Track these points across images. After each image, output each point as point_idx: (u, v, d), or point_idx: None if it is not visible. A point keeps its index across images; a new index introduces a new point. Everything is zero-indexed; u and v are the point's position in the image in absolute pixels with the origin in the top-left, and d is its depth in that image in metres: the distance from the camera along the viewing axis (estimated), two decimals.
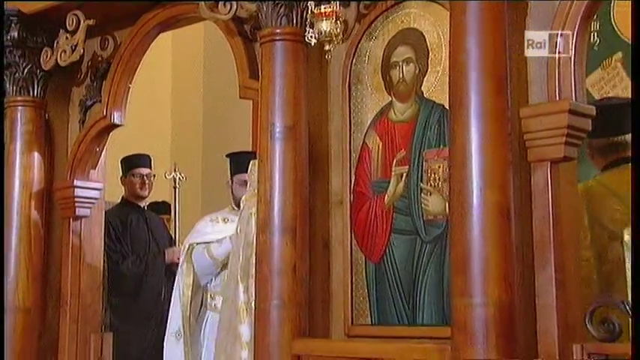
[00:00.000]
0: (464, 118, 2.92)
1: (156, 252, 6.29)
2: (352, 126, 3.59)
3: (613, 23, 5.19)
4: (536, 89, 3.07)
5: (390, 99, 3.52)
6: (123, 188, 6.52)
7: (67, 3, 4.28)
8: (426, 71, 3.42)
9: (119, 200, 6.49)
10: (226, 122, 8.22)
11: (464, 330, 2.84)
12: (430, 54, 3.42)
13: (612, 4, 5.11)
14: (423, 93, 3.43)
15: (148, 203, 6.74)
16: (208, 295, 5.05)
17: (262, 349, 3.41)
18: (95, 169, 4.56)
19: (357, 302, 3.50)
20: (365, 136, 3.55)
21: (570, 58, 3.02)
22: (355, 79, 3.61)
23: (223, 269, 4.85)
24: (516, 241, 2.89)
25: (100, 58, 4.48)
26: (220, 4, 3.73)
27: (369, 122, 3.56)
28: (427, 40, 3.43)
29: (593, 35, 5.08)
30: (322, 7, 3.40)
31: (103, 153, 4.59)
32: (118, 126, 4.45)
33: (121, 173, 6.48)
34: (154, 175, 6.59)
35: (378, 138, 3.52)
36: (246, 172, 4.56)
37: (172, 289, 6.03)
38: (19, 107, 4.47)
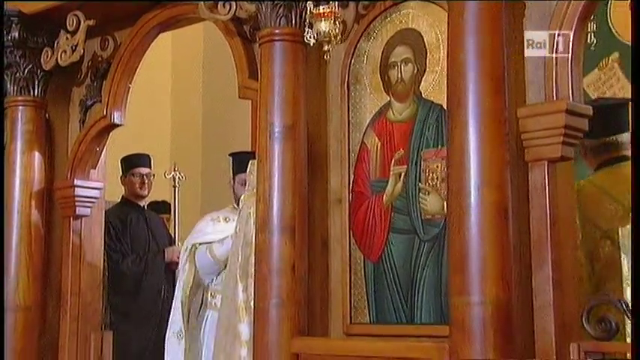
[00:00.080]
0: (462, 118, 2.93)
1: (155, 251, 6.30)
2: (351, 126, 3.60)
3: (610, 24, 5.20)
4: (533, 89, 3.08)
5: (389, 99, 3.53)
6: (123, 188, 6.52)
7: (68, 3, 4.29)
8: (425, 71, 3.43)
9: (119, 200, 6.50)
10: (226, 122, 8.22)
11: (462, 328, 2.85)
12: (428, 54, 3.43)
13: (609, 5, 5.12)
14: (421, 93, 3.44)
15: (147, 203, 6.75)
16: (209, 294, 5.05)
17: (261, 347, 3.42)
18: (95, 168, 4.58)
19: (355, 301, 3.51)
20: (363, 136, 3.56)
21: (567, 58, 3.03)
22: (354, 79, 3.62)
23: (225, 268, 4.86)
24: (514, 240, 2.90)
25: (100, 59, 4.49)
26: (220, 4, 3.74)
27: (367, 122, 3.57)
28: (425, 40, 3.44)
29: (590, 36, 5.09)
30: (321, 7, 3.40)
31: (103, 153, 4.60)
32: (118, 126, 4.46)
33: (120, 173, 6.49)
34: (154, 175, 6.60)
35: (376, 138, 3.53)
36: None
37: (172, 287, 6.06)
38: (20, 107, 4.48)
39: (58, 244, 4.59)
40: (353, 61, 3.63)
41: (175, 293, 5.15)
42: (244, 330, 4.02)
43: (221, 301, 4.60)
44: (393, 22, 3.54)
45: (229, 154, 5.43)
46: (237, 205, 4.85)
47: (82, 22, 4.26)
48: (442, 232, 3.27)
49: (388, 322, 3.42)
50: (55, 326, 4.51)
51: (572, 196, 3.16)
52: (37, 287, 4.39)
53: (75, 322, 4.46)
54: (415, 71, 3.46)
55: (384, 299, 3.44)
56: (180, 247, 6.01)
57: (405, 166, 3.43)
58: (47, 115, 4.62)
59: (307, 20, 3.44)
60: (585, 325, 2.85)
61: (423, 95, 3.43)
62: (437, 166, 3.34)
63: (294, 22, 3.53)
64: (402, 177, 3.44)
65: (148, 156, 6.62)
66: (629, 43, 4.99)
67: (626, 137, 3.79)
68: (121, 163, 6.48)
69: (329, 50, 3.44)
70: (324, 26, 3.39)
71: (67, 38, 4.34)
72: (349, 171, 3.59)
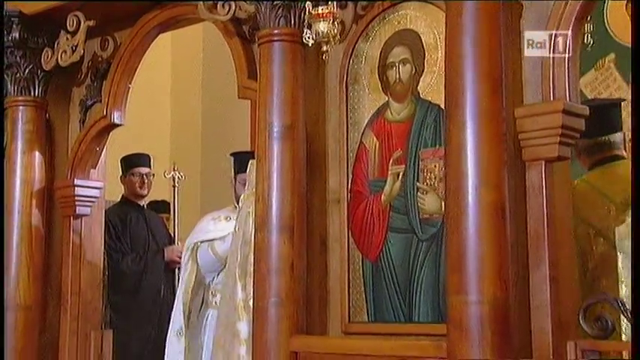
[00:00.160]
0: (459, 118, 2.94)
1: (155, 250, 6.31)
2: (349, 126, 3.61)
3: (606, 24, 5.22)
4: (530, 89, 3.09)
5: (387, 99, 3.54)
6: (123, 187, 6.54)
7: (68, 4, 4.30)
8: (423, 72, 3.44)
9: (119, 199, 6.52)
10: (225, 122, 8.23)
11: (459, 327, 2.85)
12: (426, 55, 3.44)
13: (606, 6, 5.14)
14: (419, 93, 3.45)
15: (147, 202, 6.76)
16: (210, 293, 5.06)
17: (260, 346, 3.43)
18: (95, 168, 4.59)
19: (354, 300, 3.52)
20: (362, 136, 3.58)
21: (564, 58, 3.04)
22: (352, 79, 3.63)
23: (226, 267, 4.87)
24: (511, 239, 2.91)
25: (100, 59, 4.50)
26: (219, 5, 3.75)
27: (365, 122, 3.58)
28: (423, 40, 3.45)
29: (587, 36, 5.10)
30: (320, 8, 3.40)
31: (103, 152, 4.62)
32: (117, 126, 4.47)
33: (120, 172, 6.50)
34: (154, 175, 6.61)
35: (374, 137, 3.54)
36: None
37: (172, 286, 6.08)
38: (20, 107, 4.49)
39: (58, 243, 4.60)
40: (351, 61, 3.64)
41: (177, 292, 5.16)
42: (243, 328, 4.03)
43: (220, 299, 4.61)
44: (391, 22, 3.55)
45: (230, 154, 5.44)
46: (239, 204, 4.87)
47: (83, 22, 4.27)
48: (440, 231, 3.28)
49: (386, 320, 3.43)
50: (56, 325, 4.53)
51: (569, 195, 3.17)
52: (38, 286, 4.41)
53: (75, 321, 4.47)
54: (413, 71, 3.47)
55: (382, 298, 3.45)
56: (180, 247, 6.04)
57: (403, 166, 3.44)
58: (47, 115, 4.63)
59: (306, 21, 3.44)
60: (582, 323, 2.85)
61: (421, 95, 3.44)
62: (435, 166, 3.35)
63: (292, 22, 3.54)
64: (401, 177, 3.45)
65: (148, 156, 6.64)
66: (626, 44, 5.03)
67: (618, 137, 3.81)
68: (121, 162, 6.49)
69: (327, 51, 3.43)
70: (322, 27, 3.39)
71: (67, 38, 4.35)
72: (348, 171, 3.59)
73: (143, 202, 6.61)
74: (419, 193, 3.39)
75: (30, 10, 4.39)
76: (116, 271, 5.82)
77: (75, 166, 4.53)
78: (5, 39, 4.41)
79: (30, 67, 4.46)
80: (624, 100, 4.34)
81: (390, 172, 3.48)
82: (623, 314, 2.85)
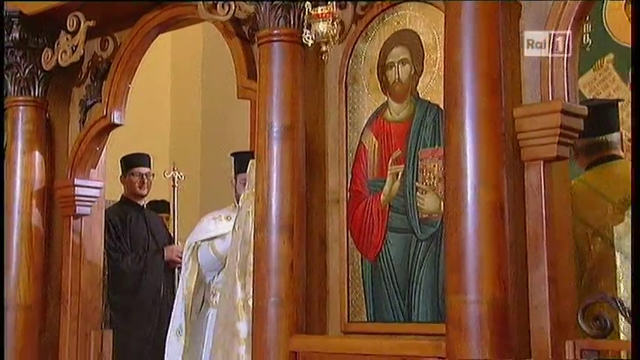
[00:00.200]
0: (458, 118, 2.94)
1: (155, 250, 6.32)
2: (349, 126, 3.62)
3: (605, 25, 5.22)
4: (529, 89, 3.09)
5: (386, 99, 3.54)
6: (122, 187, 6.55)
7: (68, 4, 4.30)
8: (422, 72, 3.45)
9: (119, 199, 6.53)
10: (225, 122, 8.24)
11: (458, 327, 2.86)
12: (425, 55, 3.44)
13: (604, 6, 5.15)
14: (418, 93, 3.45)
15: (147, 202, 6.77)
16: (210, 292, 5.08)
17: (260, 345, 3.43)
18: (95, 168, 4.59)
19: (353, 299, 3.52)
20: (361, 136, 3.58)
21: (563, 58, 3.04)
22: (351, 79, 3.64)
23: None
24: (510, 239, 2.92)
25: (100, 59, 4.50)
26: (219, 5, 3.75)
27: (365, 122, 3.58)
28: (422, 41, 3.45)
29: (586, 37, 5.11)
30: (319, 8, 3.40)
31: (103, 152, 4.62)
32: (117, 125, 4.48)
33: (120, 172, 6.51)
34: (153, 174, 6.62)
35: (374, 137, 3.54)
36: None
37: (171, 286, 6.09)
38: (21, 107, 4.50)
39: (58, 243, 4.60)
40: (351, 61, 3.64)
41: (177, 292, 5.17)
42: (242, 328, 4.03)
43: (219, 298, 4.62)
44: (390, 22, 3.56)
45: (231, 154, 5.46)
46: (239, 204, 4.87)
47: (83, 22, 4.27)
48: (439, 231, 3.29)
49: (385, 320, 3.43)
50: (56, 325, 4.53)
51: (568, 195, 3.18)
52: (38, 286, 4.41)
53: (75, 320, 4.47)
54: (412, 72, 3.47)
55: (381, 298, 3.45)
56: (180, 246, 6.05)
57: (403, 166, 3.45)
58: (47, 115, 4.64)
59: (305, 21, 3.45)
60: (581, 323, 2.86)
61: (420, 95, 3.44)
62: (434, 166, 3.36)
63: (292, 22, 3.54)
64: (400, 176, 3.45)
65: (148, 155, 6.65)
66: (624, 44, 5.04)
67: (615, 137, 3.82)
68: (121, 162, 6.50)
69: (327, 51, 3.44)
70: (322, 27, 3.40)
71: (67, 39, 4.35)
72: (347, 170, 3.60)
73: (143, 202, 6.62)
74: (418, 193, 3.40)
75: (30, 11, 4.39)
76: (116, 271, 5.83)
77: (75, 165, 4.54)
78: (5, 39, 4.42)
79: (30, 67, 4.47)
80: (622, 100, 4.36)
81: (389, 172, 3.48)
82: (622, 314, 2.86)
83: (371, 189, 3.53)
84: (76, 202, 4.52)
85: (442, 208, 3.18)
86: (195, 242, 5.07)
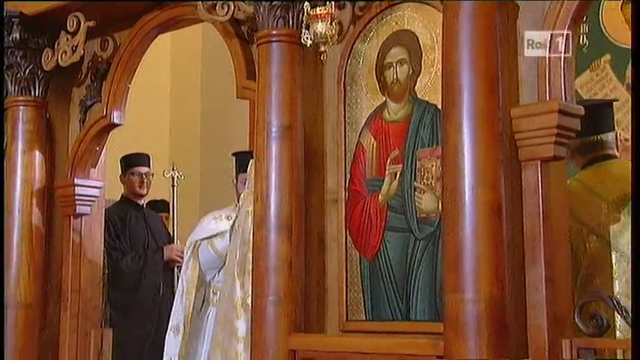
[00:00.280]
0: (456, 118, 2.95)
1: (154, 249, 6.34)
2: (347, 125, 3.62)
3: (602, 25, 5.24)
4: (526, 90, 3.09)
5: (384, 99, 3.54)
6: (122, 186, 6.57)
7: (68, 4, 4.31)
8: (420, 72, 3.45)
9: (119, 198, 6.54)
10: (224, 122, 8.26)
11: (456, 325, 2.87)
12: (423, 55, 3.44)
13: (601, 6, 5.16)
14: (416, 93, 3.45)
15: (146, 201, 6.79)
16: (211, 291, 5.09)
17: (259, 344, 3.44)
18: (95, 167, 4.60)
19: (351, 298, 3.52)
20: (360, 136, 3.58)
21: (560, 59, 3.05)
22: (350, 79, 3.64)
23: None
24: (507, 238, 2.92)
25: (100, 59, 4.51)
26: (218, 5, 3.75)
27: (363, 122, 3.58)
28: (420, 41, 3.46)
29: (583, 37, 5.12)
30: (318, 9, 3.40)
31: (103, 152, 4.63)
32: (117, 125, 4.49)
33: (120, 172, 6.53)
34: (153, 174, 6.64)
35: (372, 137, 3.55)
36: None
37: (171, 285, 6.10)
38: (21, 107, 4.50)
39: (58, 242, 4.61)
40: (349, 61, 3.64)
41: (176, 290, 5.18)
42: (241, 326, 4.04)
43: (219, 297, 4.64)
44: (388, 23, 3.56)
45: (232, 154, 5.48)
46: (239, 203, 4.89)
47: (83, 23, 4.28)
48: (437, 230, 3.29)
49: (384, 319, 3.43)
50: (56, 323, 4.54)
51: (565, 195, 3.18)
52: (38, 285, 4.42)
53: (75, 319, 4.48)
54: (410, 72, 3.48)
55: (379, 296, 3.45)
56: (179, 245, 6.07)
57: (401, 166, 3.45)
58: (48, 115, 4.64)
59: (304, 21, 3.45)
60: (577, 321, 2.88)
61: (419, 96, 3.45)
62: (432, 166, 3.36)
63: (291, 23, 3.55)
64: (398, 176, 3.45)
65: (147, 155, 6.66)
66: (621, 45, 5.06)
67: (610, 136, 3.84)
68: (121, 162, 6.52)
69: (325, 51, 3.44)
70: (320, 27, 3.39)
71: (67, 39, 4.36)
72: (345, 170, 3.60)
73: (142, 202, 6.63)
74: (416, 193, 3.40)
75: (30, 11, 4.40)
76: (116, 270, 5.85)
77: (75, 165, 4.55)
78: (6, 39, 4.43)
79: (30, 67, 4.47)
80: (617, 100, 4.38)
81: (387, 172, 3.49)
82: (618, 312, 2.87)
83: (369, 189, 3.53)
84: (76, 202, 4.53)
85: (440, 208, 3.18)
86: (196, 241, 5.09)
